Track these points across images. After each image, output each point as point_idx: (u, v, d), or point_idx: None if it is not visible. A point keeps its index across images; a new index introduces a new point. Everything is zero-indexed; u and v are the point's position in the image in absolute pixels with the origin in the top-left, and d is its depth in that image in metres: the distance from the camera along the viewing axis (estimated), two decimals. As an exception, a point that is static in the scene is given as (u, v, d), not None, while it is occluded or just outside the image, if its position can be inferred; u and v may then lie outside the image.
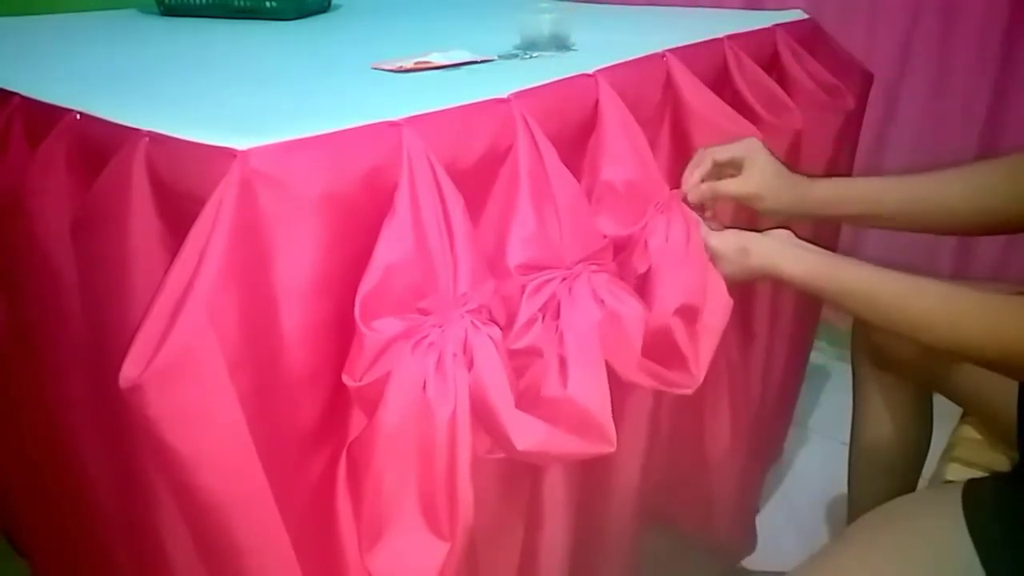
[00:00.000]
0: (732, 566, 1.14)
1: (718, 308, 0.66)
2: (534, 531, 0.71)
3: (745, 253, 0.66)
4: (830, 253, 0.65)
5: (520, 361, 0.57)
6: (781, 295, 1.03)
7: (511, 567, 0.70)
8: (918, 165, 1.45)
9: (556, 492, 0.71)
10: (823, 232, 1.07)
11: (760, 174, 0.71)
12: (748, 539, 1.16)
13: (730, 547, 1.14)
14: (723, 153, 0.72)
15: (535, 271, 0.58)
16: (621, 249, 0.68)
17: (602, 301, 0.60)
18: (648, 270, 0.67)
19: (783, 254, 0.65)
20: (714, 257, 0.67)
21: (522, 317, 0.56)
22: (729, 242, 0.67)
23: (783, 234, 0.67)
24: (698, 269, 0.66)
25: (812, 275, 0.63)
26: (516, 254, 0.57)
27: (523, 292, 0.57)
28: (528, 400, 0.53)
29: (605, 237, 0.66)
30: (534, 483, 0.69)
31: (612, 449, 0.57)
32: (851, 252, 1.56)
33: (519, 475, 0.66)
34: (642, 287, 0.66)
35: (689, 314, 0.65)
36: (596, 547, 0.83)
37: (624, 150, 0.68)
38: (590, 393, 0.56)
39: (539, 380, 0.57)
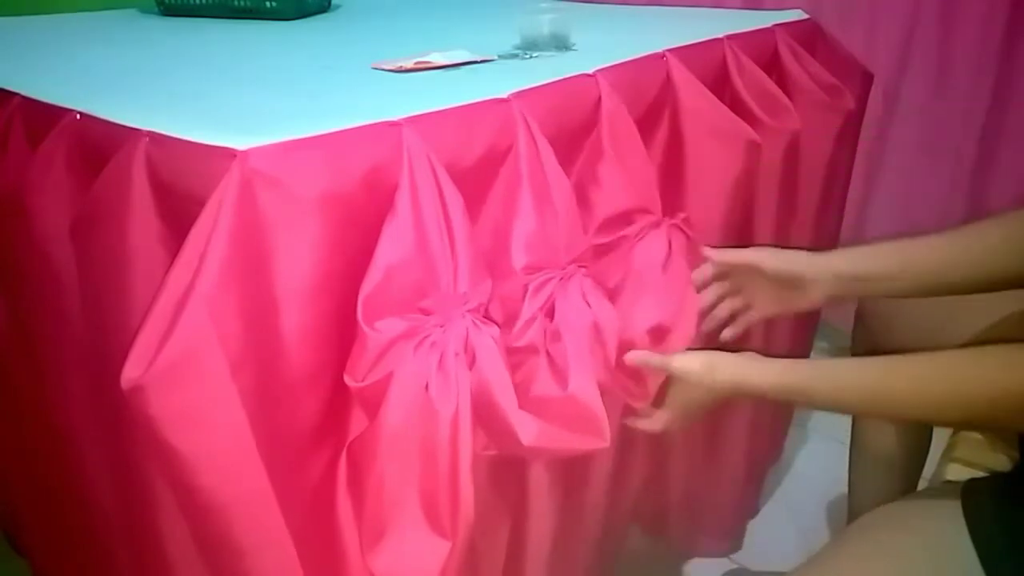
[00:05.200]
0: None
1: (684, 334, 0.67)
2: (520, 523, 0.72)
3: (712, 369, 0.65)
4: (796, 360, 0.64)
5: (516, 359, 0.57)
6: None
7: (499, 559, 0.70)
8: (918, 166, 1.47)
9: (548, 487, 0.72)
10: (822, 234, 1.07)
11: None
12: (736, 539, 1.16)
13: (715, 547, 1.15)
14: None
15: (537, 271, 0.58)
16: (601, 255, 0.69)
17: (588, 303, 0.60)
18: (623, 282, 0.68)
19: (750, 367, 0.64)
20: (682, 376, 0.65)
21: (524, 316, 0.57)
22: (696, 360, 0.65)
23: (748, 353, 0.67)
24: (675, 291, 0.67)
25: (780, 380, 0.62)
26: (520, 255, 0.57)
27: (525, 291, 0.57)
28: (520, 398, 0.53)
29: (586, 239, 0.66)
30: (519, 475, 0.69)
31: (606, 444, 0.58)
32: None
33: (509, 469, 0.66)
34: (615, 296, 0.67)
35: (659, 334, 0.66)
36: (582, 539, 0.83)
37: (621, 157, 0.68)
38: (587, 390, 0.56)
39: (532, 377, 0.57)
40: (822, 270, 0.71)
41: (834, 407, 0.62)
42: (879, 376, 0.59)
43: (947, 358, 0.56)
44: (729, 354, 0.66)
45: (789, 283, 0.72)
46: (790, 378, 0.62)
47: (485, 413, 0.51)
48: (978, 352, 0.55)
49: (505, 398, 0.51)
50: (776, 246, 0.74)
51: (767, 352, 0.66)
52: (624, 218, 0.68)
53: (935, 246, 0.69)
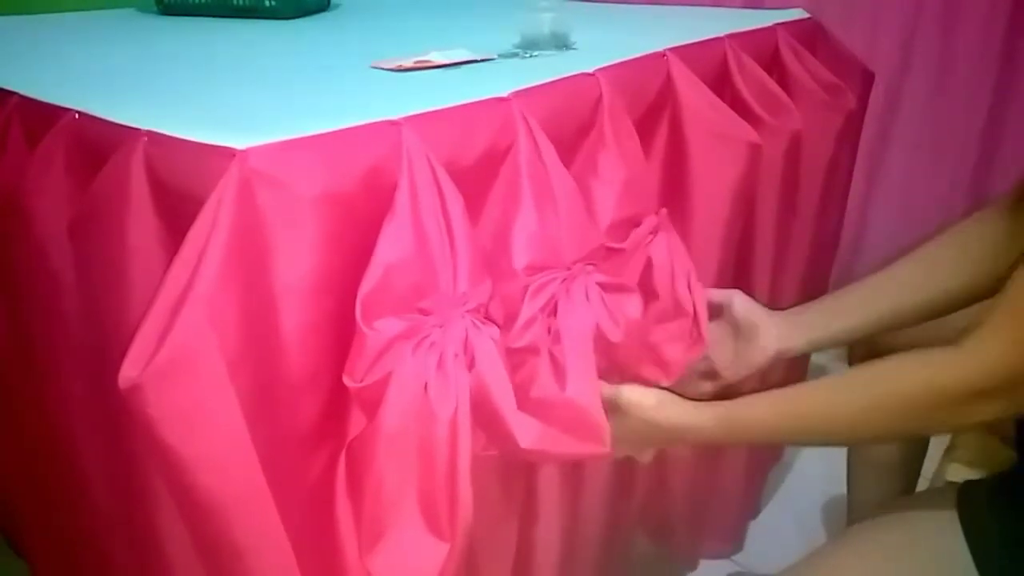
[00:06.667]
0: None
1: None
2: (528, 529, 0.71)
3: (660, 407, 0.64)
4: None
5: (515, 359, 0.57)
6: (779, 296, 1.03)
7: (506, 566, 0.70)
8: (919, 165, 1.46)
9: (551, 489, 0.71)
10: (824, 233, 1.07)
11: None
12: (737, 540, 1.16)
13: (717, 548, 1.15)
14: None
15: (538, 271, 0.58)
16: (612, 255, 0.68)
17: (599, 302, 0.60)
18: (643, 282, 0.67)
19: (695, 408, 0.63)
20: (628, 409, 0.63)
21: (523, 316, 0.56)
22: (647, 396, 0.64)
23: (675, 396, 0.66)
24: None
25: (725, 413, 0.62)
26: (521, 255, 0.57)
27: (525, 292, 0.57)
28: (520, 399, 0.53)
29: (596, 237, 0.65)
30: (528, 480, 0.69)
31: (607, 450, 0.57)
32: (851, 259, 1.56)
33: (513, 472, 0.66)
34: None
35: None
36: (587, 543, 0.83)
37: (622, 156, 0.68)
38: (586, 394, 0.56)
39: (533, 378, 0.57)
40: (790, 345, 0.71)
41: (781, 438, 0.62)
42: (795, 399, 0.60)
43: (852, 376, 0.58)
44: (679, 397, 0.65)
45: (749, 336, 0.72)
46: (733, 412, 0.62)
47: (484, 414, 0.51)
48: (877, 365, 0.56)
49: (504, 400, 0.50)
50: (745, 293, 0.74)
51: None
52: (632, 220, 0.68)
53: (896, 280, 0.70)
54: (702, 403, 0.64)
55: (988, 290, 0.67)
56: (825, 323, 0.71)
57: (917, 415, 0.54)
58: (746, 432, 0.63)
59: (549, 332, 0.58)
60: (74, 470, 0.69)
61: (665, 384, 0.68)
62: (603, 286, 0.61)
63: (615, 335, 0.61)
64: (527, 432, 0.52)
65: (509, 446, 0.52)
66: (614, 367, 0.64)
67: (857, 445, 0.62)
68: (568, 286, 0.59)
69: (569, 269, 0.60)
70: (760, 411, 0.61)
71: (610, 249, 0.66)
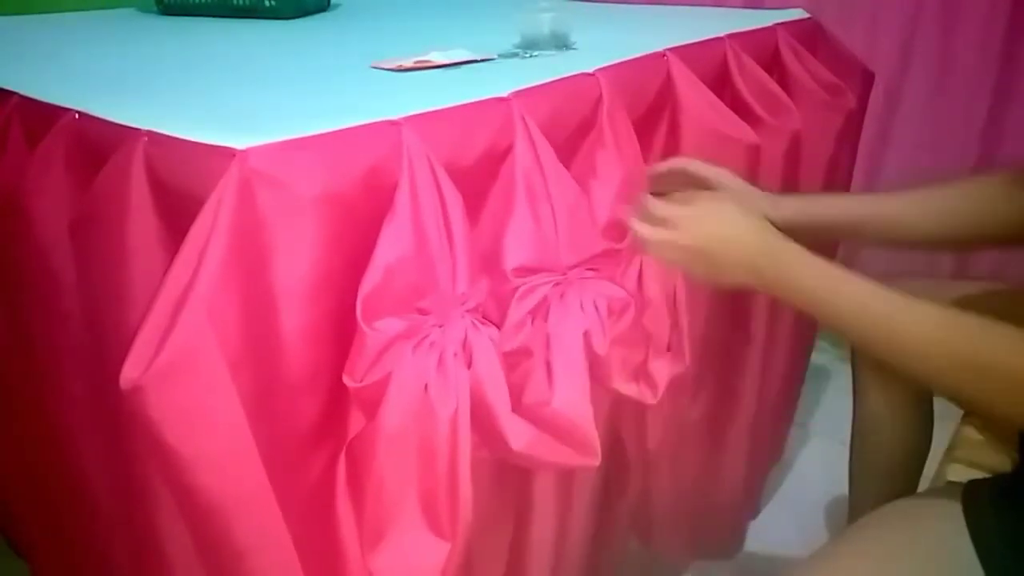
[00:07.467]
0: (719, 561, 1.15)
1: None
2: (522, 525, 0.71)
3: (776, 206, 0.62)
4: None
5: (510, 361, 0.56)
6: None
7: (501, 561, 0.70)
8: (919, 165, 1.47)
9: (547, 490, 0.71)
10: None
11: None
12: (737, 540, 1.16)
13: (716, 548, 1.15)
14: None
15: (530, 273, 0.57)
16: (610, 257, 0.68)
17: (592, 311, 0.59)
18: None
19: (801, 250, 0.60)
20: (735, 191, 0.62)
21: (511, 319, 0.56)
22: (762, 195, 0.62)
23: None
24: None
25: (824, 271, 0.60)
26: (512, 256, 0.57)
27: (513, 294, 0.56)
28: (515, 402, 0.53)
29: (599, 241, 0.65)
30: (521, 477, 0.69)
31: (597, 462, 0.56)
32: (851, 259, 1.56)
33: (509, 470, 0.66)
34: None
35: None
36: (584, 541, 0.83)
37: (621, 157, 0.67)
38: (574, 405, 0.55)
39: (525, 383, 0.56)
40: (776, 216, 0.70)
41: (848, 327, 0.59)
42: (897, 311, 0.57)
43: (962, 319, 0.54)
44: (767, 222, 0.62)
45: None
46: (830, 280, 0.60)
47: (478, 415, 0.51)
48: (990, 324, 0.53)
49: (498, 401, 0.50)
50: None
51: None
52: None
53: (894, 201, 0.70)
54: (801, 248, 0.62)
55: (967, 245, 0.68)
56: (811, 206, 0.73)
57: (1005, 392, 0.52)
58: (832, 293, 0.60)
59: (541, 337, 0.57)
60: (74, 470, 0.69)
61: (651, 402, 0.67)
62: (599, 295, 0.61)
63: (602, 348, 0.60)
64: (519, 435, 0.51)
65: (500, 448, 0.52)
66: (595, 378, 0.62)
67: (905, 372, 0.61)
68: (563, 291, 0.58)
69: (564, 274, 0.59)
70: (855, 289, 0.59)
71: (607, 250, 0.66)
